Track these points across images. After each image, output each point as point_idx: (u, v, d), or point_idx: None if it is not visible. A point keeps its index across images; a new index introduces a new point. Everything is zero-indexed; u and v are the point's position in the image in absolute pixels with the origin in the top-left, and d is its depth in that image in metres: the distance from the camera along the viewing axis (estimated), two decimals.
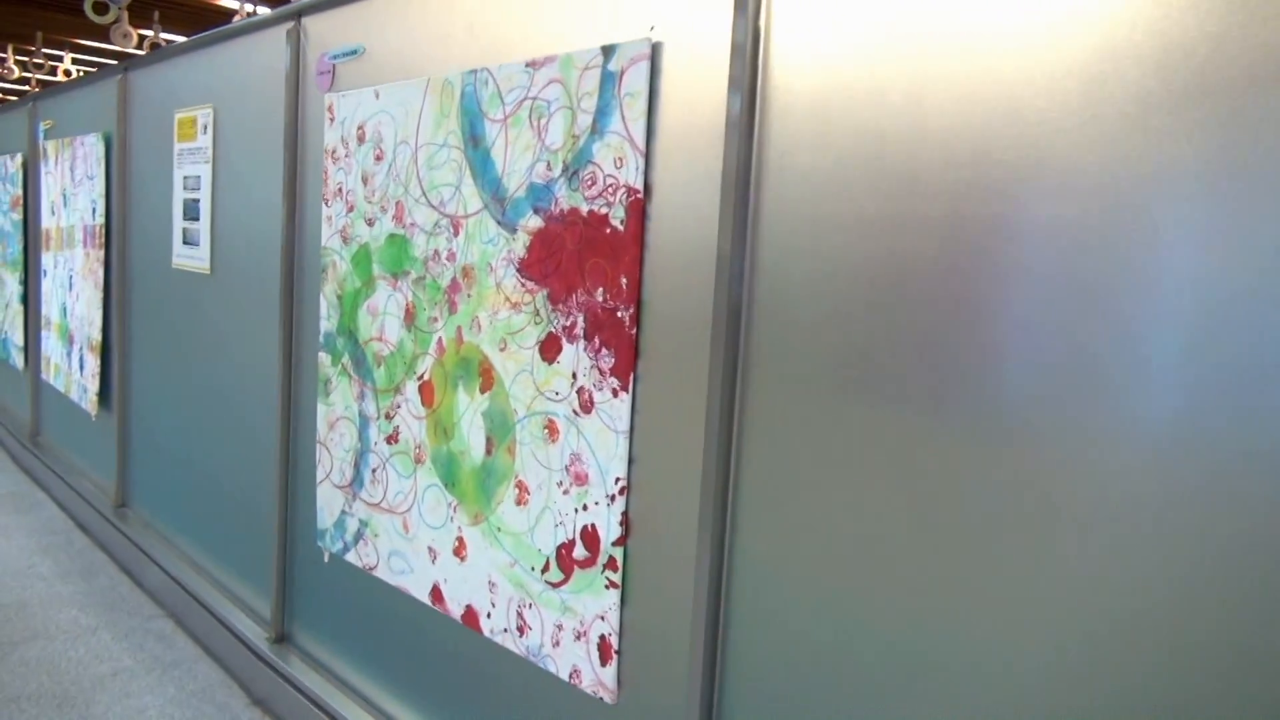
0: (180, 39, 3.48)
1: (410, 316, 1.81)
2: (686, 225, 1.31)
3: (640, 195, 1.36)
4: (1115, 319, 0.92)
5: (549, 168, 1.50)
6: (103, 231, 3.29)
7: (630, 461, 1.40)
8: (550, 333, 1.51)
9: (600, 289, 1.42)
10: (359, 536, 1.98)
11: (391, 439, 1.87)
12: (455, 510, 1.72)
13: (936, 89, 1.05)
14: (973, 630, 1.03)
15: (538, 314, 1.53)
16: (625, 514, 1.41)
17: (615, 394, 1.41)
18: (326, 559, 2.11)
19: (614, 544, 1.42)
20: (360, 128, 1.92)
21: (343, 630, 2.09)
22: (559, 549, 1.51)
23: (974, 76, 1.02)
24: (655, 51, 1.34)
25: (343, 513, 2.03)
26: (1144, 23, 0.90)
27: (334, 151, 2.01)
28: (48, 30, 8.27)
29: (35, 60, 8.24)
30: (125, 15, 5.45)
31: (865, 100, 1.11)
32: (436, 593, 1.77)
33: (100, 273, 3.32)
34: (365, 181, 1.91)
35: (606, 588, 1.43)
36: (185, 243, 2.73)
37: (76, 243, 3.56)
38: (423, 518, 1.80)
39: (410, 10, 1.81)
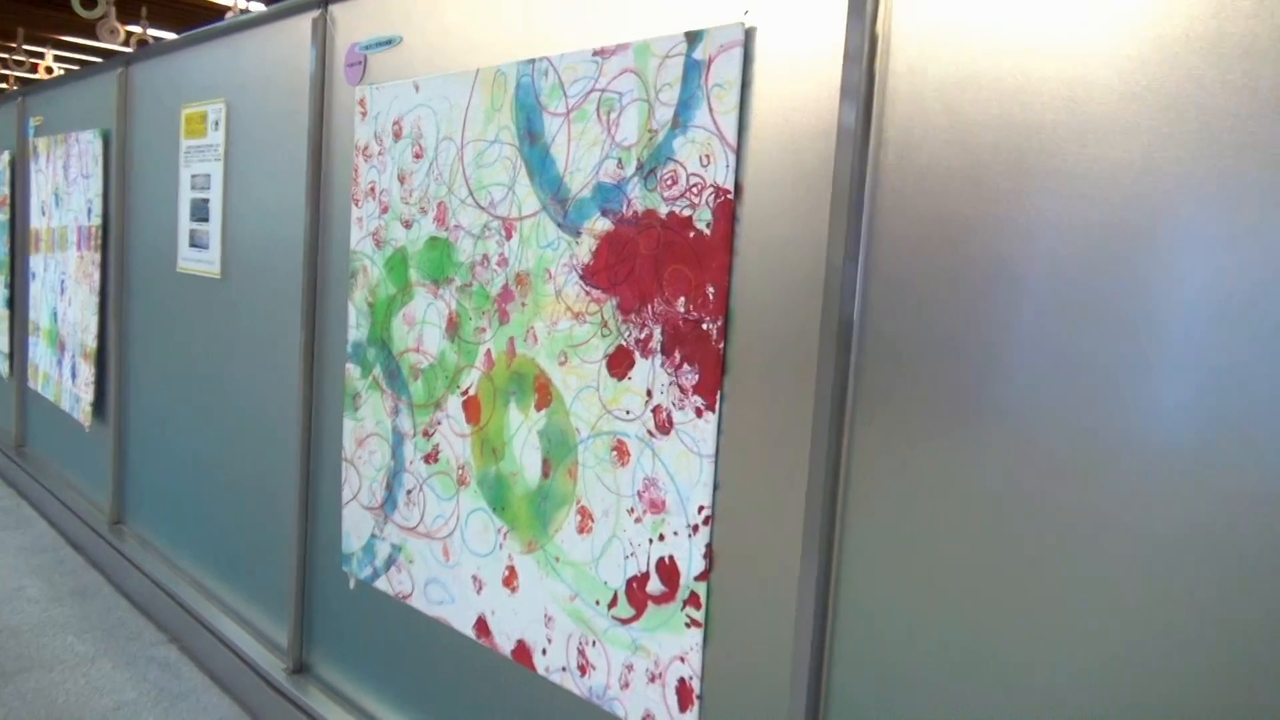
0: (170, 35, 3.32)
1: (453, 326, 1.67)
2: (784, 230, 1.19)
3: (730, 196, 1.23)
4: None
5: (620, 165, 1.37)
6: (99, 232, 3.13)
7: (715, 488, 1.27)
8: (620, 345, 1.38)
9: (682, 298, 1.30)
10: (391, 562, 1.84)
11: (430, 458, 1.73)
12: (505, 537, 1.58)
13: (1096, 79, 0.93)
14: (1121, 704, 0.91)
15: (605, 325, 1.40)
16: (709, 545, 1.28)
17: (699, 414, 1.28)
18: (353, 585, 1.96)
19: (696, 578, 1.29)
20: (397, 122, 1.79)
21: (369, 661, 1.95)
22: (629, 582, 1.38)
23: (1146, 67, 0.90)
24: (749, 37, 1.22)
25: (373, 536, 1.89)
26: None
27: (366, 148, 1.87)
28: (32, 26, 8.04)
29: (15, 58, 8.02)
30: (113, 10, 5.27)
31: (1001, 88, 0.99)
32: (482, 625, 1.64)
33: (96, 276, 3.15)
34: (402, 181, 1.78)
35: (687, 626, 1.31)
36: (193, 245, 2.57)
37: (70, 244, 3.38)
38: (466, 544, 1.66)
39: None
